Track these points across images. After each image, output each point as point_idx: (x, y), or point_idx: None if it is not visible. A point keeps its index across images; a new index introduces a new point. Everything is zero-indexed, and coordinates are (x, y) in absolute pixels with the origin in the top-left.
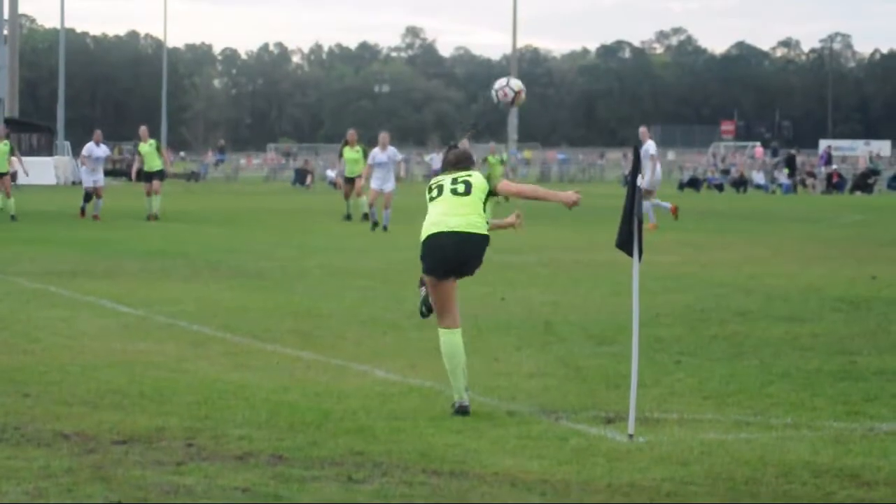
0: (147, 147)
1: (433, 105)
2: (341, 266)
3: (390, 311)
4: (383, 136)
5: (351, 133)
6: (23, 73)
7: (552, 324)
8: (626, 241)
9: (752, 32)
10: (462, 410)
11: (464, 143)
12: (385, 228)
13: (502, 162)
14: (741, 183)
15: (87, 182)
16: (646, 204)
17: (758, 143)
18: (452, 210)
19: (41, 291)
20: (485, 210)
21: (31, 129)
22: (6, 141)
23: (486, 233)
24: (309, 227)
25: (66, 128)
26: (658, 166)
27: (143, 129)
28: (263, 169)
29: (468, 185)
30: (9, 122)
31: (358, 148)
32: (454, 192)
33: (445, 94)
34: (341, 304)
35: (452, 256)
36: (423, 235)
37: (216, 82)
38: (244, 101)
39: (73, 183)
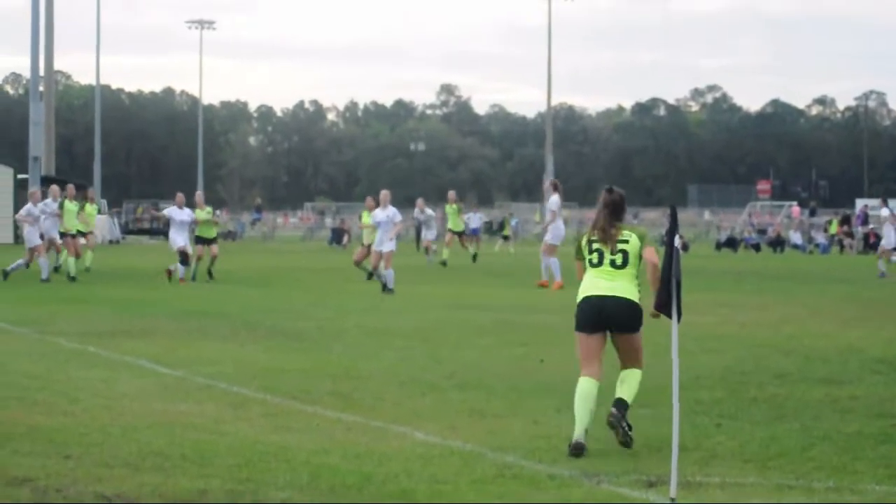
0: (204, 214)
1: (468, 163)
2: (378, 326)
3: (429, 372)
4: (384, 194)
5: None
6: (59, 129)
7: None
8: (665, 302)
9: (787, 90)
10: (577, 448)
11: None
12: (391, 290)
13: (460, 211)
14: (778, 243)
15: (178, 243)
16: (552, 260)
17: (794, 203)
18: (609, 277)
19: (80, 351)
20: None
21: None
22: (96, 204)
23: (633, 298)
24: (345, 287)
25: (102, 185)
26: (560, 221)
27: (198, 195)
28: (300, 228)
29: (625, 257)
30: (45, 179)
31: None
32: (612, 263)
33: (481, 151)
34: (380, 365)
35: (597, 315)
36: (580, 297)
37: (252, 139)
38: (280, 159)
39: (111, 241)
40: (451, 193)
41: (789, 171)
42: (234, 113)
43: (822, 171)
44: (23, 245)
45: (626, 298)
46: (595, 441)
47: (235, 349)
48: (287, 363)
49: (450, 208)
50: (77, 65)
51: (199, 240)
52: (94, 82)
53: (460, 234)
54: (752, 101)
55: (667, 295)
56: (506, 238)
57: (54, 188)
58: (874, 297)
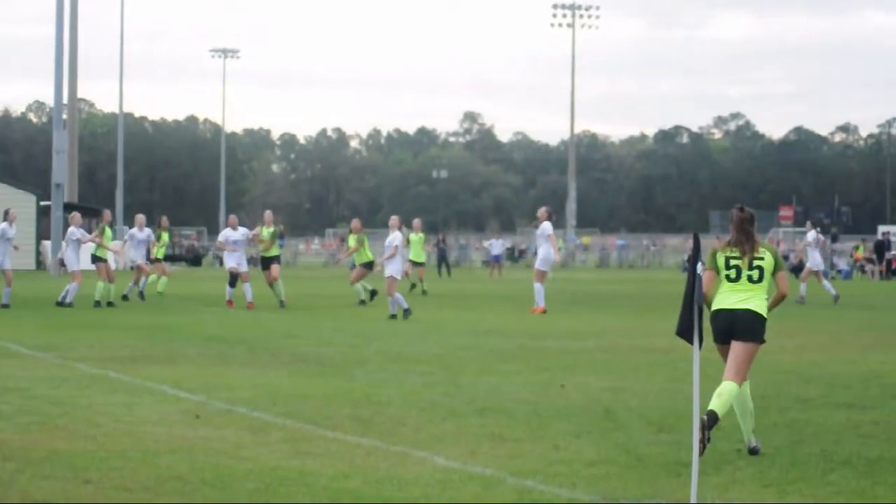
0: (268, 233)
1: (491, 190)
2: (400, 352)
3: (450, 397)
4: (393, 220)
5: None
6: (82, 157)
7: (612, 411)
8: (687, 328)
9: (810, 117)
10: (753, 451)
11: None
12: (406, 312)
13: (425, 241)
14: (799, 269)
15: (230, 263)
16: (536, 286)
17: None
18: (742, 291)
19: (101, 377)
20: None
21: (90, 214)
22: (168, 232)
23: (761, 312)
24: (367, 313)
25: (125, 212)
26: (552, 248)
27: (268, 214)
28: (322, 254)
29: (761, 273)
30: (67, 206)
31: (353, 236)
32: (749, 278)
33: (504, 178)
34: (401, 390)
35: (728, 327)
36: (714, 308)
37: (274, 167)
38: (302, 186)
39: (132, 268)
40: (417, 222)
41: (812, 198)
42: (258, 140)
43: (844, 197)
44: (45, 271)
45: (754, 311)
46: (612, 465)
47: (257, 375)
48: (308, 389)
49: (415, 237)
50: (100, 93)
51: (263, 261)
52: (117, 110)
53: (420, 265)
54: (775, 128)
55: (688, 321)
56: None
57: (76, 216)
58: (895, 323)
